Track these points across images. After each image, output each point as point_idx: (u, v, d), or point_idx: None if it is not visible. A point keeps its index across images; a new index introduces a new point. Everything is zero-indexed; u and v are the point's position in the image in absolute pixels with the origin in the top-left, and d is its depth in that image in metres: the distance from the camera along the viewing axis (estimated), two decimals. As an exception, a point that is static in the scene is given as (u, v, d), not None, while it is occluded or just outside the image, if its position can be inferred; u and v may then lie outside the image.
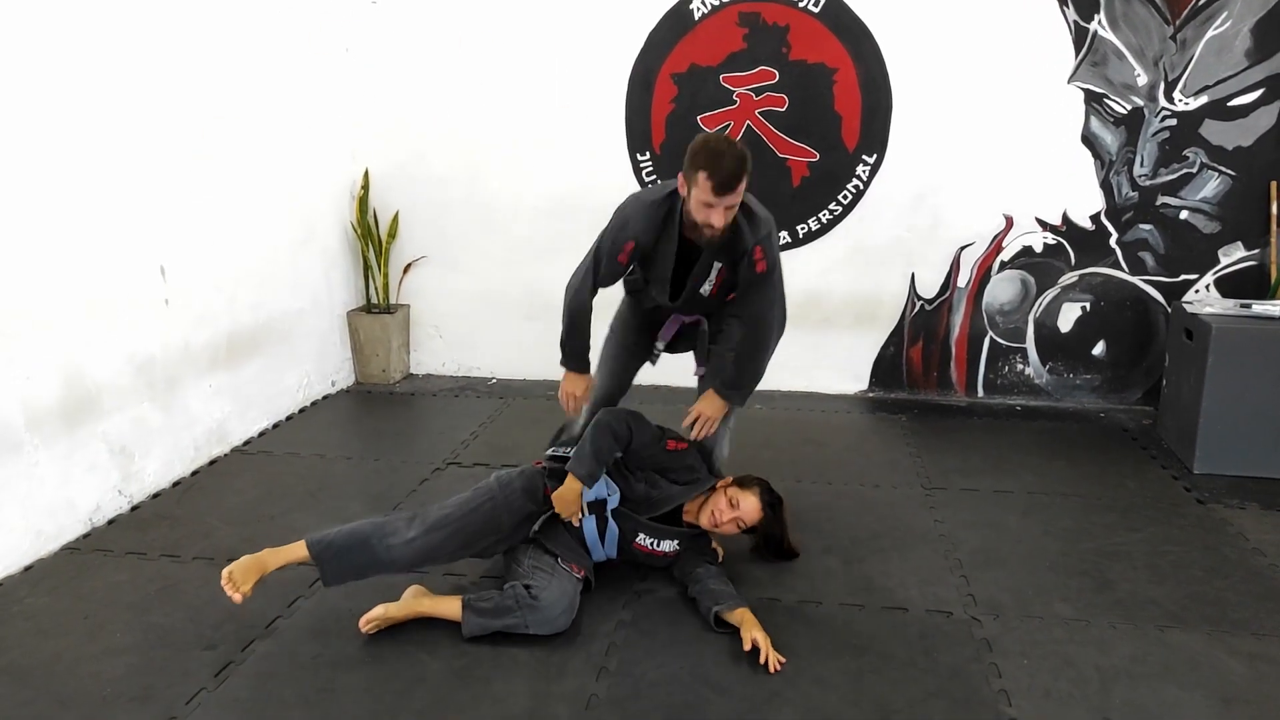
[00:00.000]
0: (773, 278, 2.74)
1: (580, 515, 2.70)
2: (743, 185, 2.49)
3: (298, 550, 2.56)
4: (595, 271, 2.78)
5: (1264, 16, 4.02)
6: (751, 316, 2.82)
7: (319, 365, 4.66)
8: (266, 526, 3.21)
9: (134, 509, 3.36)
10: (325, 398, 4.70)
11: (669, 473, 2.79)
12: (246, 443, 4.03)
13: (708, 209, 2.49)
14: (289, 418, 4.37)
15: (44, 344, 2.99)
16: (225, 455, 3.88)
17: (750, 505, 2.75)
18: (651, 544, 2.75)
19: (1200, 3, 4.07)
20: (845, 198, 4.54)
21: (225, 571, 2.45)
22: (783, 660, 2.39)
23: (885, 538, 3.14)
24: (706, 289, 2.80)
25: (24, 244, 2.90)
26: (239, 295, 3.97)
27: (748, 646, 2.39)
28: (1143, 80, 4.19)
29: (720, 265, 2.75)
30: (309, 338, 4.55)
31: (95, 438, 3.22)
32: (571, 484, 2.65)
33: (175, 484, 3.58)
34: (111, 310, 3.26)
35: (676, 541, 2.76)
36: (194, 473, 3.69)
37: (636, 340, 3.11)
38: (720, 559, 2.86)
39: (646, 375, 3.27)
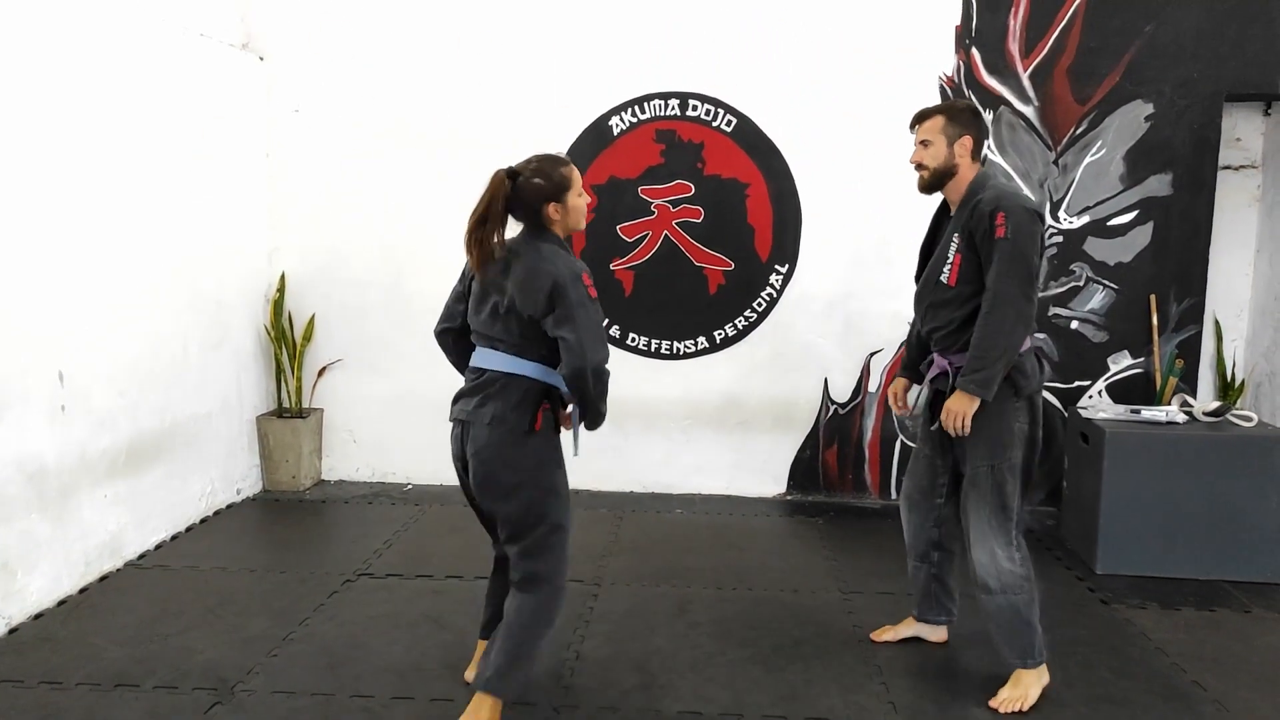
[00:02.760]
0: (1010, 247, 2.57)
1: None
2: (932, 121, 2.73)
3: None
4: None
5: (1134, 145, 4.40)
6: (987, 290, 2.63)
7: (225, 472, 4.48)
8: (159, 647, 3.01)
9: (12, 631, 3.12)
10: (230, 506, 4.51)
11: None
12: (142, 556, 3.81)
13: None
14: (190, 528, 4.17)
15: (-76, 454, 2.81)
16: (118, 570, 3.66)
17: None
18: None
19: (1078, 131, 4.44)
20: (760, 305, 4.68)
21: None
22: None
23: (806, 644, 3.13)
24: (945, 274, 2.73)
25: (-90, 348, 2.76)
26: (143, 399, 3.83)
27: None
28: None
29: (958, 243, 2.71)
30: (216, 443, 4.38)
31: (-26, 554, 3.01)
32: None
33: (61, 602, 3.35)
34: (2, 417, 3.10)
35: None
36: (83, 590, 3.46)
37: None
38: None
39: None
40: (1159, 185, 4.42)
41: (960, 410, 2.66)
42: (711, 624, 3.27)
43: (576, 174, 2.58)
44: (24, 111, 3.19)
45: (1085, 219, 4.48)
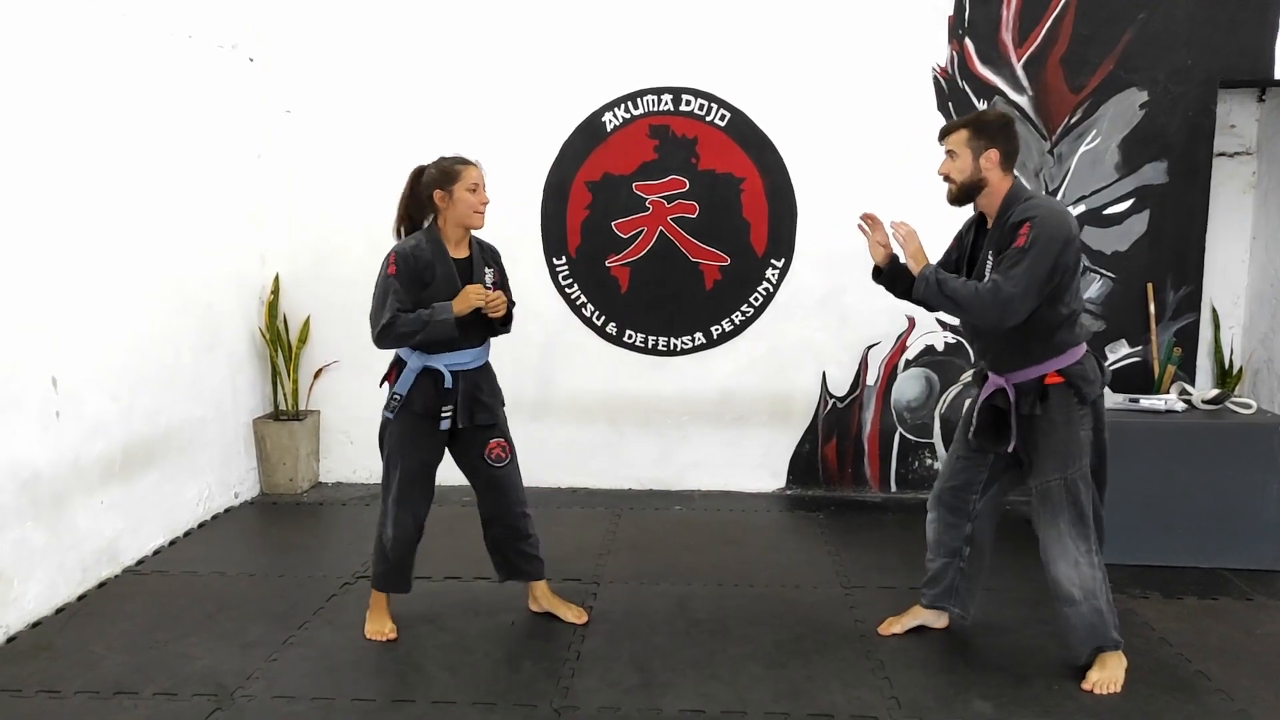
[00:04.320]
0: (1023, 255, 2.54)
1: None
2: (958, 133, 2.72)
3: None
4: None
5: (1129, 134, 4.39)
6: (990, 275, 2.63)
7: (221, 476, 4.46)
8: (159, 654, 2.99)
9: (10, 640, 3.10)
10: (228, 510, 4.49)
11: None
12: (140, 562, 3.79)
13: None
14: (187, 533, 4.15)
15: (-84, 463, 2.79)
16: (116, 577, 3.64)
17: None
18: None
19: (1072, 121, 4.42)
20: (756, 300, 4.67)
21: None
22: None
23: (808, 640, 3.12)
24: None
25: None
26: (137, 404, 3.81)
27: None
28: (1026, 190, 4.48)
29: (993, 262, 2.65)
30: (211, 447, 4.36)
31: (-31, 563, 2.99)
32: None
33: (58, 610, 3.33)
34: (-5, 425, 3.08)
35: None
36: (80, 597, 3.44)
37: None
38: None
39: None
40: (1154, 173, 4.41)
41: (911, 251, 2.78)
42: (712, 621, 3.26)
43: (472, 171, 2.94)
44: (12, 117, 3.16)
45: (1081, 208, 4.46)
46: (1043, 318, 2.64)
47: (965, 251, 2.90)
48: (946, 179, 2.77)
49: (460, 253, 3.00)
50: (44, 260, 3.30)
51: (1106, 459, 2.82)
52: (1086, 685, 2.76)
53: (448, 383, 2.94)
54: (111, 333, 3.65)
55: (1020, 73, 4.42)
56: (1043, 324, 2.66)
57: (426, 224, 3.00)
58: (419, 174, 2.97)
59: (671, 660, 2.97)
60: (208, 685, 2.80)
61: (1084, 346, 2.72)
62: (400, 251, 2.90)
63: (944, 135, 2.78)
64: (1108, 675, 2.77)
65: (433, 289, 2.90)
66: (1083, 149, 4.43)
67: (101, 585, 3.56)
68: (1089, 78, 4.39)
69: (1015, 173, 2.78)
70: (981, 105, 4.43)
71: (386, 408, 2.98)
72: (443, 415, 2.96)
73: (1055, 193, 4.46)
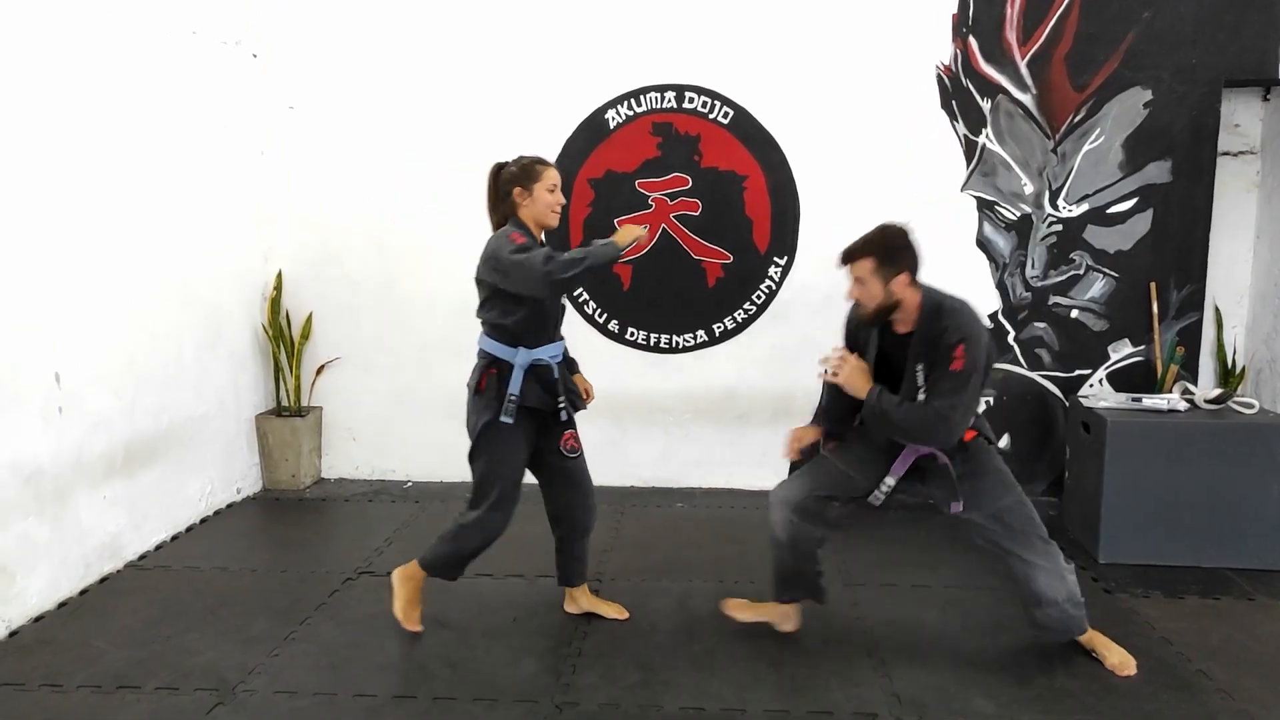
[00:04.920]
0: (963, 380, 2.58)
1: None
2: (862, 263, 2.65)
3: None
4: None
5: (1133, 133, 4.38)
6: (928, 398, 2.65)
7: (224, 472, 4.47)
8: (161, 648, 3.00)
9: (12, 634, 3.11)
10: (230, 506, 4.50)
11: None
12: (142, 557, 3.80)
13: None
14: (190, 529, 4.16)
15: (-80, 458, 2.80)
16: (118, 571, 3.65)
17: None
18: None
19: (1076, 119, 4.41)
20: (758, 298, 4.67)
21: None
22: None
23: (810, 637, 3.12)
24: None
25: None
26: (140, 400, 3.81)
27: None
28: (1029, 189, 4.48)
29: (924, 371, 2.67)
30: (214, 443, 4.37)
31: (-28, 557, 3.00)
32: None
33: (61, 605, 3.34)
34: (-2, 420, 3.09)
35: None
36: (83, 592, 3.45)
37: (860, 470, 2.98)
38: None
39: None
40: (1158, 172, 4.40)
41: (847, 378, 2.76)
42: (713, 618, 3.26)
43: (552, 172, 2.94)
44: (15, 113, 3.16)
45: (1084, 207, 4.46)
46: None
47: (873, 355, 2.85)
48: (857, 304, 2.72)
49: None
50: (47, 257, 3.31)
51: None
52: (1121, 671, 2.84)
53: (555, 374, 2.95)
54: (114, 329, 3.65)
55: (1024, 71, 4.42)
56: None
57: (511, 220, 2.96)
58: (498, 170, 2.99)
59: (672, 657, 2.97)
60: (210, 680, 2.80)
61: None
62: (518, 229, 2.88)
63: (847, 261, 2.70)
64: (1117, 654, 2.88)
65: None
66: (1086, 147, 4.42)
67: (104, 580, 3.57)
68: (1093, 76, 4.38)
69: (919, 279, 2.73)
70: (985, 104, 4.42)
71: (502, 413, 2.91)
72: (560, 407, 2.98)
73: (1059, 192, 4.46)
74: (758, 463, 4.79)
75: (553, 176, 2.94)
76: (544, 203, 2.92)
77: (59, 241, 3.36)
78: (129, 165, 3.74)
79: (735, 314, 4.69)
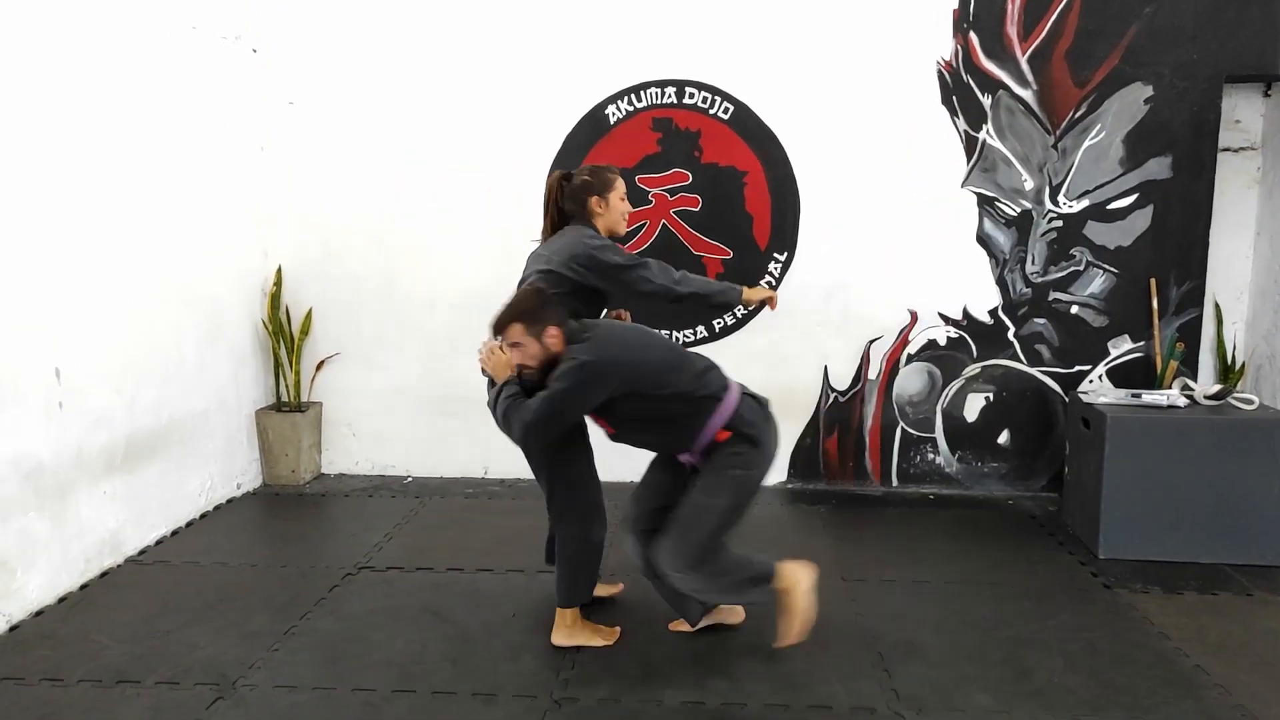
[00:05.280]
0: (551, 390, 2.68)
1: None
2: (512, 328, 2.70)
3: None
4: None
5: (1133, 129, 4.38)
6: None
7: (224, 467, 4.47)
8: (161, 643, 3.01)
9: (13, 629, 3.11)
10: (230, 501, 4.50)
11: None
12: (142, 552, 3.81)
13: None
14: (190, 524, 4.16)
15: (-80, 452, 2.80)
16: (118, 566, 3.66)
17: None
18: None
19: (1077, 115, 4.41)
20: (759, 294, 4.66)
21: None
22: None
23: (808, 633, 3.11)
24: None
25: (-96, 347, 2.74)
26: (140, 396, 3.82)
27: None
28: (1030, 185, 4.48)
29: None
30: (214, 438, 4.37)
31: (-28, 552, 3.00)
32: None
33: (61, 600, 3.34)
34: (-2, 415, 3.09)
35: None
36: (83, 586, 3.46)
37: None
38: None
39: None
40: (1159, 168, 4.40)
41: (493, 367, 2.80)
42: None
43: (622, 182, 3.08)
44: (13, 109, 3.16)
45: (1085, 203, 4.45)
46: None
47: None
48: (524, 369, 2.75)
49: None
50: (46, 253, 3.31)
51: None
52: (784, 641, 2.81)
53: None
54: (114, 325, 3.65)
55: (1025, 66, 4.41)
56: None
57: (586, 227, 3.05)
58: (565, 179, 3.08)
59: (672, 653, 2.98)
60: (210, 674, 2.81)
61: (735, 396, 2.81)
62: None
63: (499, 333, 2.75)
64: (793, 613, 2.79)
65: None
66: (1087, 143, 4.42)
67: (104, 575, 3.57)
68: (1094, 72, 4.37)
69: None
70: (986, 99, 4.42)
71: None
72: None
73: (1059, 188, 4.46)
74: (757, 459, 4.79)
75: (623, 186, 3.09)
76: (619, 211, 3.08)
77: (58, 239, 3.36)
78: (128, 162, 3.74)
79: (735, 310, 4.68)
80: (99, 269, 3.57)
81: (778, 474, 4.81)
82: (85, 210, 3.49)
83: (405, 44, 4.64)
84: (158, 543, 3.92)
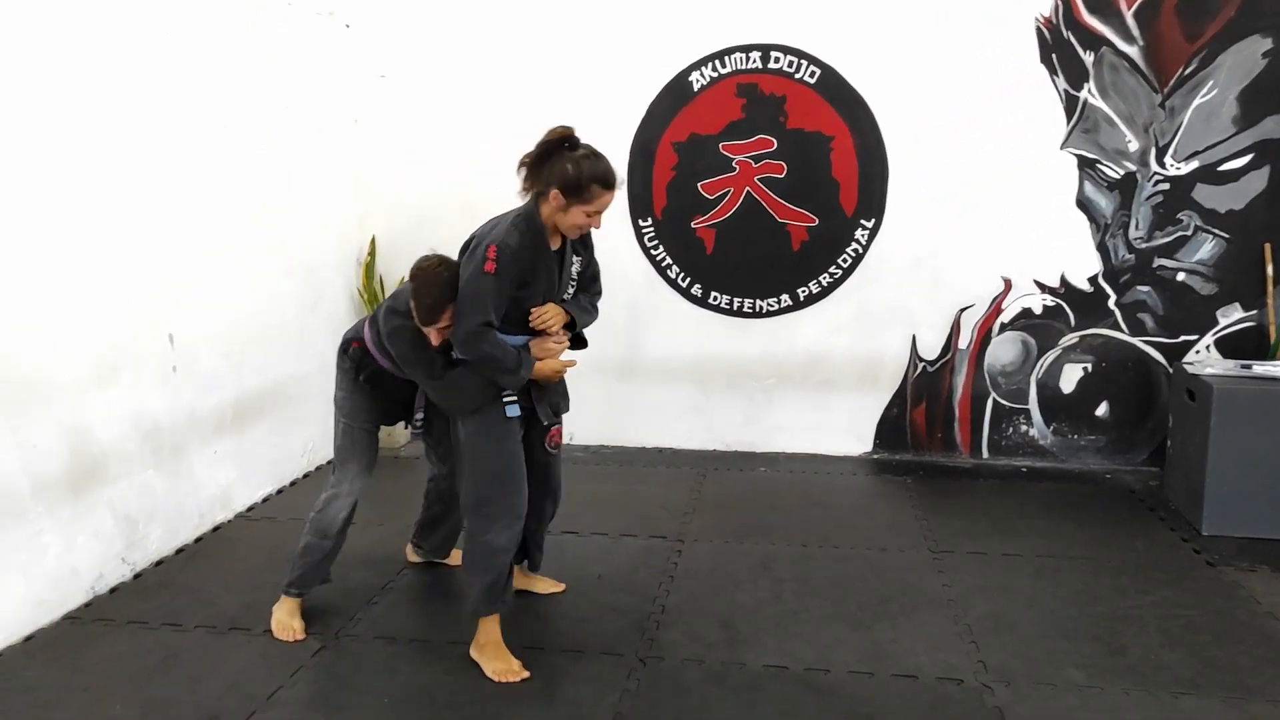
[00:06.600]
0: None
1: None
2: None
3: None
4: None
5: (1248, 85, 4.13)
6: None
7: (325, 429, 4.63)
8: (269, 595, 3.17)
9: (137, 576, 3.34)
10: (329, 462, 4.68)
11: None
12: (250, 509, 4.02)
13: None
14: (293, 483, 4.37)
15: (51, 412, 3.01)
16: (229, 521, 3.87)
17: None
18: None
19: (1187, 71, 4.18)
20: (845, 261, 4.60)
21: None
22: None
23: (893, 602, 3.11)
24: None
25: (33, 312, 2.94)
26: (247, 361, 4.01)
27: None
28: (1134, 146, 4.28)
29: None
30: (314, 402, 4.56)
31: (101, 505, 3.22)
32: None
33: (179, 551, 3.56)
34: (119, 378, 3.29)
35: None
36: (198, 539, 3.67)
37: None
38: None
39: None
40: (1276, 126, 4.14)
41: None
42: (795, 581, 3.27)
43: (606, 200, 2.55)
44: (130, 88, 3.32)
45: (1194, 164, 4.23)
46: None
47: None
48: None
49: (555, 243, 2.68)
50: (161, 226, 3.49)
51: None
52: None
53: None
54: (223, 293, 3.84)
55: (1130, 21, 4.19)
56: None
57: (528, 207, 2.60)
58: (563, 142, 2.54)
59: (755, 617, 3.00)
60: (314, 624, 2.96)
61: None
62: (502, 249, 2.50)
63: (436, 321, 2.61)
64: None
65: (530, 288, 2.61)
66: (1197, 101, 4.19)
67: (216, 529, 3.79)
68: (1207, 25, 4.13)
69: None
70: (1088, 57, 4.23)
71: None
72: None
73: (1166, 149, 4.24)
74: (842, 429, 4.75)
75: (604, 203, 2.55)
76: (574, 223, 2.56)
77: (171, 213, 3.53)
78: (235, 136, 3.90)
79: (820, 278, 4.63)
80: (210, 239, 3.74)
81: (862, 444, 4.76)
82: (194, 185, 3.66)
83: (491, 16, 4.68)
84: (264, 500, 4.13)
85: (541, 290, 2.64)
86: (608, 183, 2.52)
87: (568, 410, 2.94)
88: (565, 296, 2.75)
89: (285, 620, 2.92)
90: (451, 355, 2.66)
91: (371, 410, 2.99)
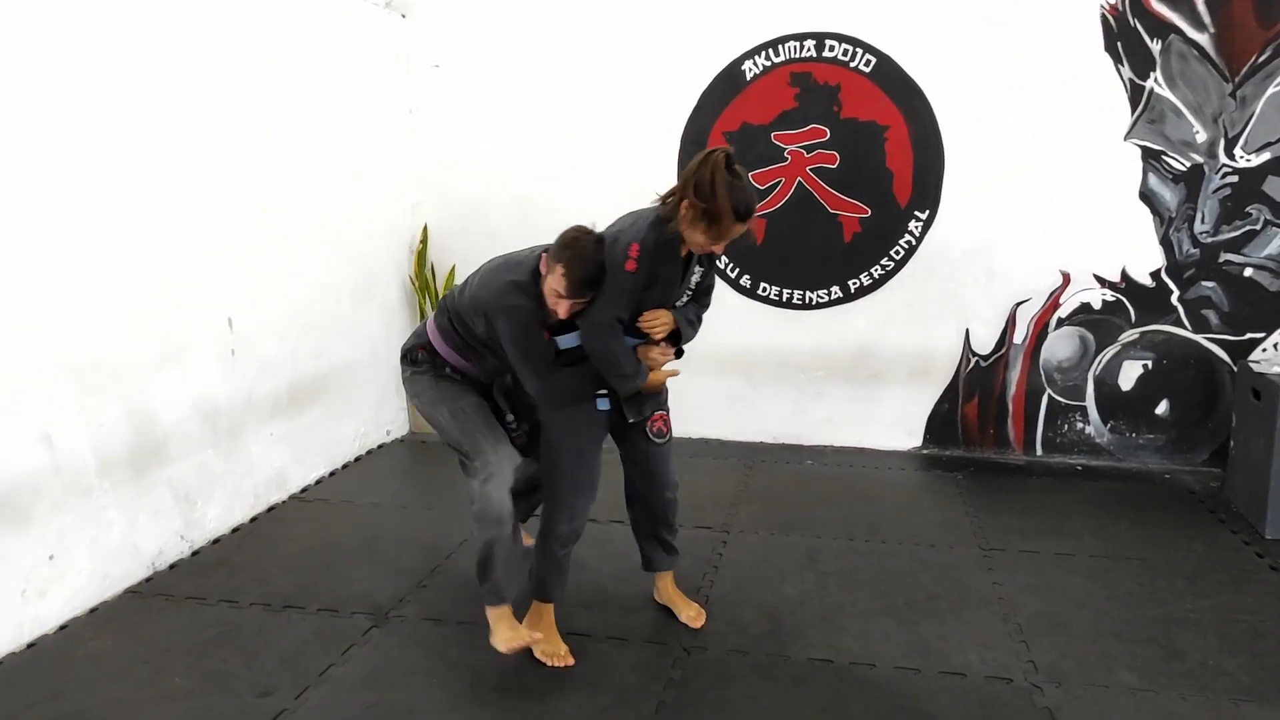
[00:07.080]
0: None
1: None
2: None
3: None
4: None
5: (1327, 73, 3.97)
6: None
7: (375, 414, 4.75)
8: (322, 575, 3.25)
9: (195, 554, 3.43)
10: (380, 446, 4.78)
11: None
12: (304, 490, 4.11)
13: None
14: (345, 466, 4.45)
15: (118, 393, 3.11)
16: (284, 502, 3.96)
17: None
18: None
19: (1260, 60, 4.03)
20: (897, 253, 4.53)
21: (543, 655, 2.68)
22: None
23: (942, 599, 3.07)
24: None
25: (102, 298, 3.04)
26: (302, 345, 4.09)
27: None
28: (1202, 137, 4.14)
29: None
30: (367, 387, 4.65)
31: (161, 484, 3.32)
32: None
33: (235, 530, 3.66)
34: (181, 360, 3.39)
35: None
36: (253, 519, 3.77)
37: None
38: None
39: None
40: (1356, 116, 3.98)
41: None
42: (842, 574, 3.25)
43: (736, 230, 2.47)
44: (188, 80, 3.40)
45: (1265, 156, 4.08)
46: None
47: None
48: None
49: (684, 249, 2.61)
50: (221, 213, 3.57)
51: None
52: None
53: None
54: (280, 278, 3.92)
55: (1201, 7, 4.05)
56: None
57: (667, 210, 2.51)
58: (725, 161, 2.41)
59: (800, 610, 2.99)
60: (365, 605, 3.02)
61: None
62: (644, 248, 2.48)
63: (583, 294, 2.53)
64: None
65: (651, 290, 2.57)
66: (1271, 90, 4.03)
67: (271, 509, 3.88)
68: (1283, 11, 3.98)
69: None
70: (1155, 45, 4.10)
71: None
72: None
73: (1236, 140, 4.10)
74: (893, 423, 4.70)
75: (733, 233, 2.47)
76: (698, 240, 2.49)
77: (227, 201, 3.62)
78: (290, 123, 3.97)
79: (872, 270, 4.57)
80: (267, 227, 3.82)
81: (912, 439, 4.70)
82: (253, 172, 3.74)
83: (544, 6, 4.70)
84: (318, 482, 4.22)
85: (659, 295, 2.59)
86: (740, 214, 2.43)
87: (662, 408, 2.91)
88: (679, 303, 2.71)
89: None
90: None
91: (466, 384, 2.82)
